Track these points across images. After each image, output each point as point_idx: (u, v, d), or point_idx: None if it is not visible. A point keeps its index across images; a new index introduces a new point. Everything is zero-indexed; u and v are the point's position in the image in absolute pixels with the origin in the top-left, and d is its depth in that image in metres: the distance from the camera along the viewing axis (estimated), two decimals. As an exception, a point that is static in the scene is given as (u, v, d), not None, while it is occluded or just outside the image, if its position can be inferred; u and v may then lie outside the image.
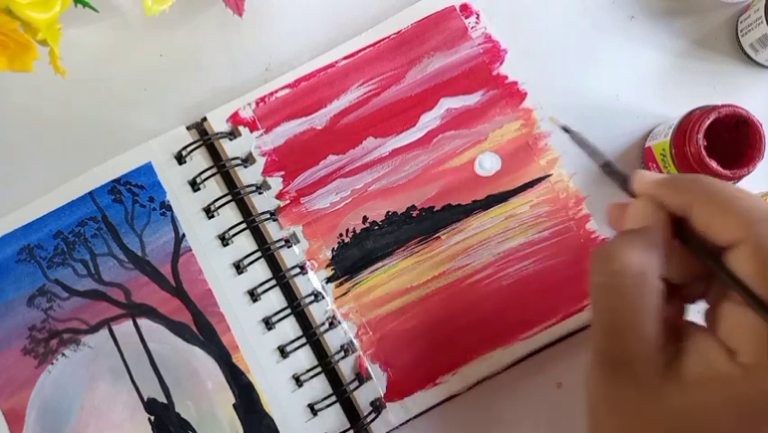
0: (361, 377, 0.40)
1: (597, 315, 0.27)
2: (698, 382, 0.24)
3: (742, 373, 0.24)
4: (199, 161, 0.41)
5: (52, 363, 0.40)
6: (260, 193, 0.41)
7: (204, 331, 0.40)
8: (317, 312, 0.40)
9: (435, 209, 0.41)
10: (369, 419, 0.39)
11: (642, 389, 0.25)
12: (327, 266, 0.41)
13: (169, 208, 0.41)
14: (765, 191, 0.38)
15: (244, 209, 0.41)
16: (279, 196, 0.41)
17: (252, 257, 0.40)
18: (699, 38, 0.43)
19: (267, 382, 0.39)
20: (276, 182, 0.41)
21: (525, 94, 0.42)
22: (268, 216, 0.41)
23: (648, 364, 0.25)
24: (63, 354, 0.40)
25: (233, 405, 0.39)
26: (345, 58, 0.42)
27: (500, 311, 0.40)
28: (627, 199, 0.29)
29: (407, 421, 0.39)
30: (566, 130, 0.35)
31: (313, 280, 0.41)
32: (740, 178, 0.36)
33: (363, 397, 0.39)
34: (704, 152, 0.36)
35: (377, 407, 0.39)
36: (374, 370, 0.40)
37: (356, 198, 0.41)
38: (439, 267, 0.40)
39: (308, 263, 0.41)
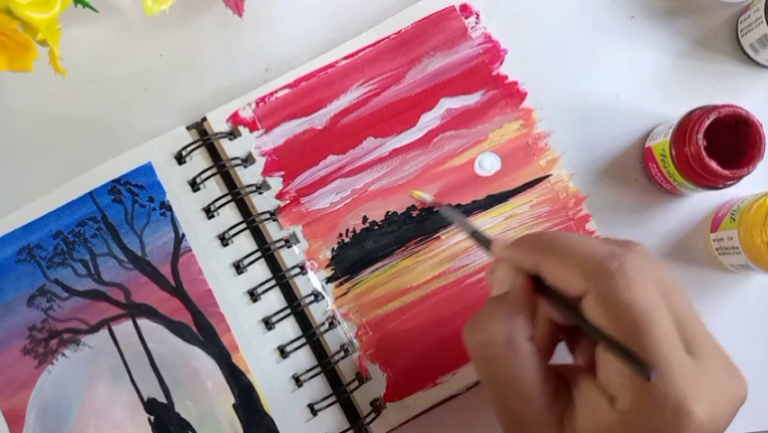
0: (361, 377, 0.40)
1: (483, 383, 0.28)
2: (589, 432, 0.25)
3: (622, 420, 0.24)
4: (199, 161, 0.41)
5: (52, 363, 0.40)
6: (260, 193, 0.41)
7: (204, 331, 0.40)
8: (317, 312, 0.40)
9: (435, 209, 0.41)
10: (368, 419, 0.39)
11: None
12: (327, 266, 0.41)
13: (169, 208, 0.41)
14: (765, 191, 0.38)
15: (244, 209, 0.41)
16: (279, 196, 0.41)
17: (252, 257, 0.40)
18: (699, 38, 0.43)
19: (267, 382, 0.39)
20: (276, 182, 0.41)
21: (525, 94, 0.42)
22: (268, 216, 0.41)
23: (540, 423, 0.26)
24: (63, 354, 0.40)
25: (233, 405, 0.39)
26: (345, 58, 0.42)
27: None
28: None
29: (407, 421, 0.39)
30: (436, 204, 0.38)
31: (313, 281, 0.41)
32: (740, 178, 0.36)
33: (363, 397, 0.39)
34: (704, 152, 0.36)
35: (377, 407, 0.39)
36: (374, 370, 0.40)
37: (356, 198, 0.41)
38: (439, 267, 0.40)
39: (308, 263, 0.41)
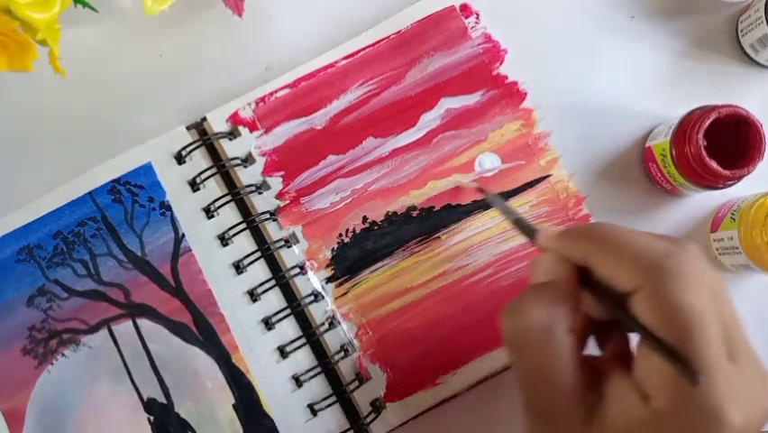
0: (361, 377, 0.40)
1: (515, 369, 0.27)
2: (618, 428, 0.25)
3: (655, 419, 0.24)
4: (199, 161, 0.41)
5: (52, 364, 0.40)
6: (259, 193, 0.41)
7: (203, 331, 0.40)
8: (317, 312, 0.40)
9: (435, 209, 0.41)
10: (368, 420, 0.39)
11: None
12: (327, 266, 0.41)
13: (169, 208, 0.41)
14: (765, 191, 0.38)
15: (244, 209, 0.41)
16: (279, 196, 0.41)
17: (252, 257, 0.40)
18: (699, 38, 0.43)
19: (267, 382, 0.39)
20: (276, 182, 0.41)
21: (525, 94, 0.42)
22: (267, 216, 0.41)
23: (569, 415, 0.26)
24: (63, 355, 0.40)
25: (233, 405, 0.39)
26: (345, 58, 0.42)
27: (500, 311, 0.40)
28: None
29: (407, 421, 0.39)
30: (481, 191, 0.38)
31: (313, 281, 0.41)
32: (740, 178, 0.36)
33: (363, 397, 0.39)
34: (704, 152, 0.36)
35: (377, 407, 0.39)
36: (374, 370, 0.40)
37: (356, 198, 0.41)
38: (439, 267, 0.40)
39: (308, 263, 0.41)
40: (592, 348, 0.30)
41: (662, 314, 0.24)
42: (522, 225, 0.33)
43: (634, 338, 0.28)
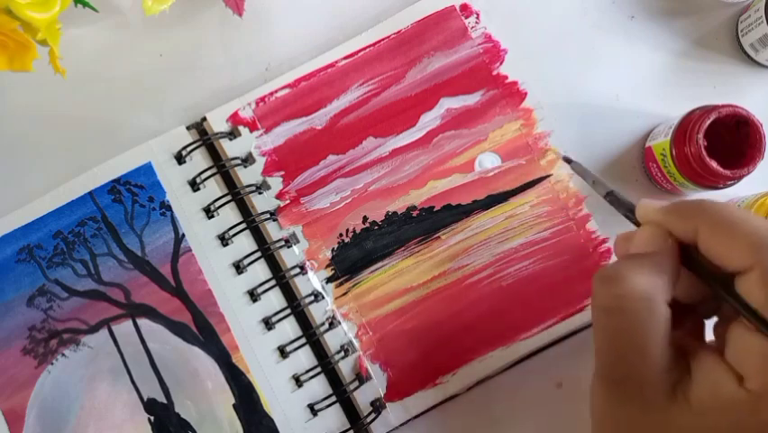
0: (361, 377, 0.40)
1: (601, 336, 0.27)
2: (704, 406, 0.24)
3: (749, 399, 0.23)
4: (199, 160, 0.41)
5: (52, 364, 0.40)
6: (259, 193, 0.41)
7: (204, 331, 0.40)
8: (317, 312, 0.40)
9: (435, 209, 0.41)
10: (369, 420, 0.39)
11: (648, 409, 0.25)
12: (327, 266, 0.41)
13: (169, 208, 0.41)
14: (765, 191, 0.38)
15: (244, 209, 0.41)
16: (279, 196, 0.41)
17: (252, 257, 0.40)
18: (699, 38, 0.43)
19: (267, 382, 0.39)
20: (276, 182, 0.41)
21: (525, 94, 0.42)
22: (268, 216, 0.41)
23: (654, 386, 0.25)
24: (63, 355, 0.40)
25: (233, 405, 0.39)
26: (345, 58, 0.42)
27: (500, 311, 0.40)
28: (634, 229, 0.29)
29: (407, 421, 0.39)
30: (568, 161, 0.37)
31: (313, 281, 0.41)
32: (740, 178, 0.36)
33: (363, 397, 0.39)
34: (704, 152, 0.36)
35: (377, 407, 0.39)
36: (374, 370, 0.40)
37: (356, 198, 0.41)
38: (439, 267, 0.40)
39: (308, 263, 0.41)
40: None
41: None
42: (616, 198, 0.32)
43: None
